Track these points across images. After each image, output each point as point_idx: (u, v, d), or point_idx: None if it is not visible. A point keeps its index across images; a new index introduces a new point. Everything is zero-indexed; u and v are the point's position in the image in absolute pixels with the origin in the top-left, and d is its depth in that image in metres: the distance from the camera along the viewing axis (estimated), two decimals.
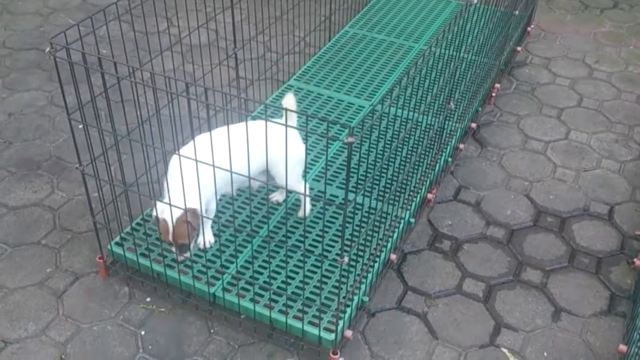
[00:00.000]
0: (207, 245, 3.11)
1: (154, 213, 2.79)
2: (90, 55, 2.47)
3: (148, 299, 3.09)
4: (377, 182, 3.41)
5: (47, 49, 2.43)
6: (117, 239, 3.13)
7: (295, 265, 3.06)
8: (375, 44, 4.90)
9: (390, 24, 5.17)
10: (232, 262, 3.05)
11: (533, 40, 5.46)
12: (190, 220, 2.70)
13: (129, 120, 2.89)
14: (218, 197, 2.99)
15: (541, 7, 5.87)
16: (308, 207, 3.30)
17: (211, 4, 4.34)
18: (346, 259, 2.39)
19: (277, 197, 3.40)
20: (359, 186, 3.17)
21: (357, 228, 3.18)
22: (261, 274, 3.01)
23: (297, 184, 3.07)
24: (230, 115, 3.74)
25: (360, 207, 2.99)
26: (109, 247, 3.12)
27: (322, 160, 3.70)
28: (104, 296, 3.10)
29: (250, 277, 2.97)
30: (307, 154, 2.98)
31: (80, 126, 4.10)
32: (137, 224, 3.22)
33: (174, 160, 2.81)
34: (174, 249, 2.84)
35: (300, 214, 3.30)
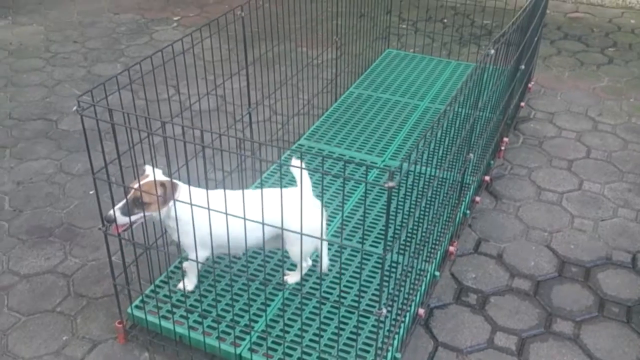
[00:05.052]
0: (187, 289, 3.10)
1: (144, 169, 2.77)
2: (117, 111, 2.44)
3: None
4: (398, 235, 3.35)
5: (75, 107, 2.41)
6: (138, 301, 3.03)
7: (325, 317, 2.97)
8: (381, 103, 4.95)
9: (394, 84, 5.24)
10: (256, 321, 2.96)
11: (534, 96, 5.54)
12: (166, 185, 2.68)
13: None
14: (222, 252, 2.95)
15: (538, 65, 5.98)
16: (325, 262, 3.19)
17: (214, 72, 4.44)
18: (384, 311, 2.31)
19: (292, 278, 3.21)
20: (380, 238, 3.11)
21: (385, 281, 3.11)
22: (291, 326, 2.92)
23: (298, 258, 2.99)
24: (243, 176, 3.71)
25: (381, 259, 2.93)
26: (128, 310, 3.02)
27: (339, 215, 3.66)
28: None
29: (277, 335, 2.87)
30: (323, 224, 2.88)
31: (92, 192, 4.06)
32: (157, 286, 3.13)
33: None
34: (115, 207, 2.69)
35: (288, 279, 3.20)
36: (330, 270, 3.27)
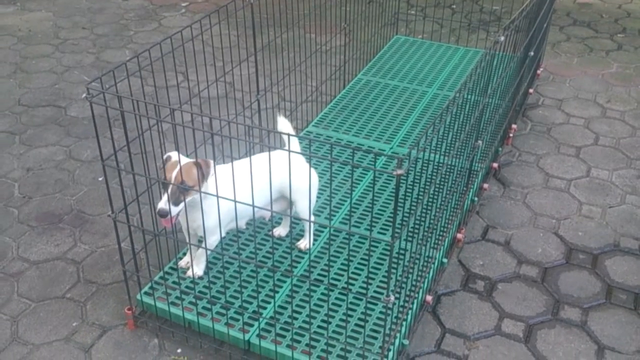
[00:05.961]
0: (197, 274, 3.11)
1: (166, 156, 2.72)
2: (126, 98, 2.45)
3: (179, 350, 2.99)
4: (406, 222, 3.36)
5: (84, 95, 2.42)
6: (147, 288, 3.06)
7: (334, 304, 3.00)
8: (389, 89, 4.94)
9: (402, 71, 5.22)
10: (264, 307, 2.98)
11: (543, 82, 5.51)
12: (202, 164, 2.66)
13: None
14: (225, 232, 2.99)
15: (547, 51, 5.95)
16: (311, 238, 3.33)
17: (222, 58, 4.43)
18: (392, 298, 2.33)
19: (280, 231, 3.42)
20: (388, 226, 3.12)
21: (393, 268, 3.12)
22: (300, 313, 2.95)
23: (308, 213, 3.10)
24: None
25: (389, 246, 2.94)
26: (138, 297, 3.05)
27: (348, 202, 3.67)
28: (134, 349, 3.00)
29: (286, 322, 2.89)
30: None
31: (101, 179, 4.08)
32: (166, 272, 3.16)
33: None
34: (161, 201, 2.64)
35: (305, 245, 3.32)
36: (337, 257, 3.28)
